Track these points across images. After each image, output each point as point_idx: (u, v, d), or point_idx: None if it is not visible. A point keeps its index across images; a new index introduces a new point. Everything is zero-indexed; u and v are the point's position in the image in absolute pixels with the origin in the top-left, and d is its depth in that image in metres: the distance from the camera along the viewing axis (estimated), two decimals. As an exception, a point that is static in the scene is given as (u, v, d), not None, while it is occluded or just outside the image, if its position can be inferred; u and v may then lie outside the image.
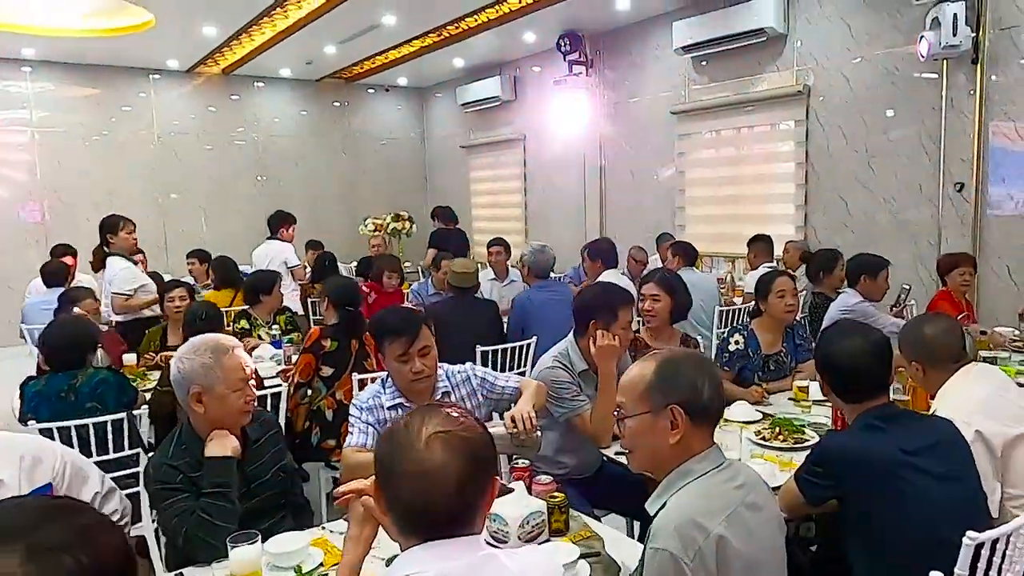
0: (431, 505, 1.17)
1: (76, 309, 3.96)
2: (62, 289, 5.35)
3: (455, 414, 1.27)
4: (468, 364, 2.60)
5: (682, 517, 1.45)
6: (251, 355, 4.27)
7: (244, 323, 4.67)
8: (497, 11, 7.12)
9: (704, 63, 6.88)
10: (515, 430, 2.17)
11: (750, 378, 3.36)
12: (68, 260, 6.28)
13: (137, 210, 8.89)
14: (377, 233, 9.57)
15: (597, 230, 8.18)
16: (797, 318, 3.71)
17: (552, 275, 5.25)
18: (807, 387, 3.10)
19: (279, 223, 6.69)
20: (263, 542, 1.76)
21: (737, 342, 3.40)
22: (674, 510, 1.48)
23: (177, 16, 6.91)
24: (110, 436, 2.85)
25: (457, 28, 7.71)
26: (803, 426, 2.76)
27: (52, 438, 2.71)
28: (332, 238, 8.68)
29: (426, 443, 1.19)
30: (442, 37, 8.06)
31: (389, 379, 2.42)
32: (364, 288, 5.30)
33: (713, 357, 3.65)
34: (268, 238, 6.68)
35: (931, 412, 2.26)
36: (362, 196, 10.48)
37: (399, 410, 2.39)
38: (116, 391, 3.02)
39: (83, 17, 7.11)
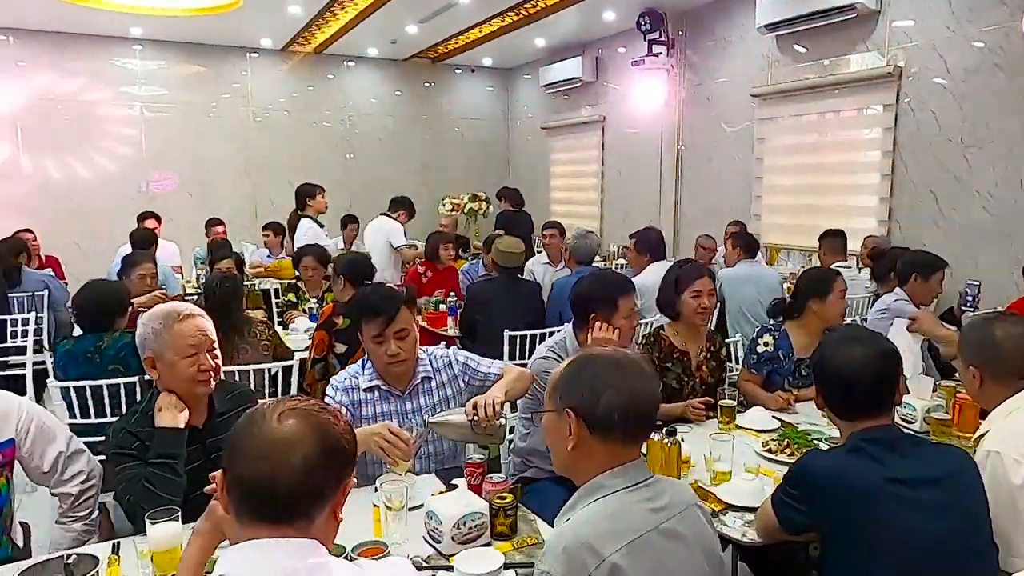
0: (273, 482, 1.10)
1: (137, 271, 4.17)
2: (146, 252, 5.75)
3: (322, 407, 1.21)
4: (452, 348, 2.55)
5: (576, 538, 1.32)
6: (287, 327, 4.43)
7: (291, 296, 4.82)
8: (575, -13, 6.95)
9: (789, 42, 6.44)
10: (475, 417, 2.10)
11: (780, 383, 3.13)
12: (151, 223, 6.71)
13: (231, 184, 9.45)
14: (453, 213, 9.67)
15: (671, 216, 7.90)
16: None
17: (602, 262, 5.14)
18: (734, 407, 2.81)
19: (397, 207, 6.88)
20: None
21: (767, 343, 3.16)
22: (569, 529, 1.35)
23: (266, -5, 7.16)
24: (122, 398, 2.97)
25: (535, 7, 7.58)
26: (819, 439, 2.55)
27: (71, 397, 2.89)
28: (415, 218, 8.71)
29: (278, 417, 1.15)
30: (521, 16, 7.95)
31: (369, 360, 2.41)
32: (419, 267, 5.35)
33: (742, 357, 3.42)
34: (382, 213, 6.88)
35: (978, 435, 1.99)
36: (446, 176, 10.57)
37: (376, 392, 2.37)
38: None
39: (179, -4, 7.49)
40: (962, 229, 5.22)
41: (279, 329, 4.38)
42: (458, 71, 10.81)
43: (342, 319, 3.55)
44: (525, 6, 7.58)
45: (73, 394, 2.85)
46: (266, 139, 9.68)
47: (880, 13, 5.64)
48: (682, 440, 2.29)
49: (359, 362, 2.44)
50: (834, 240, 5.28)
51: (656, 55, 7.46)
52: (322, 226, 6.30)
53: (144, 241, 5.69)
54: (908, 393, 2.74)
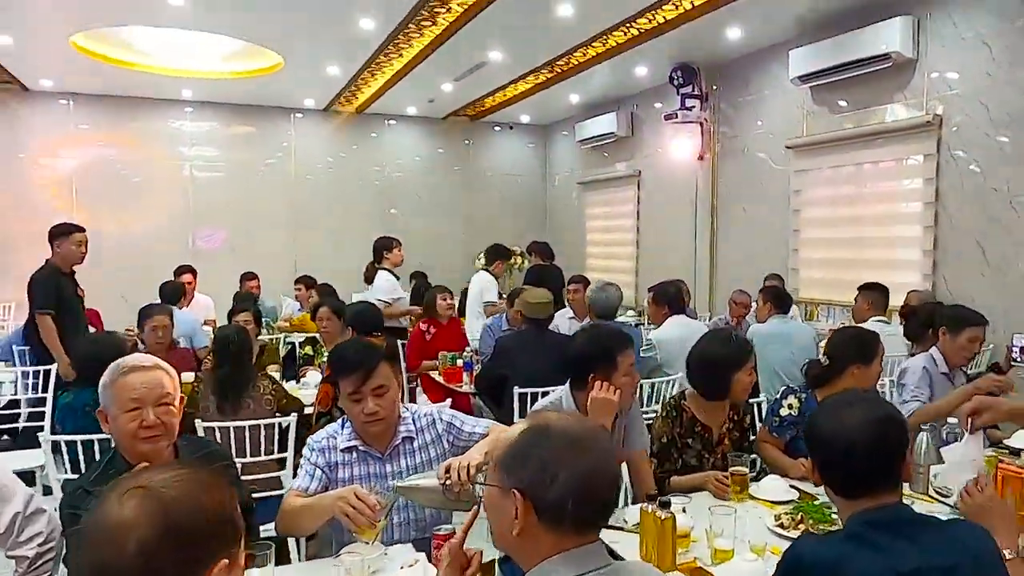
0: (103, 571, 0.99)
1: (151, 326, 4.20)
2: (173, 307, 5.83)
3: (188, 478, 1.07)
4: (437, 407, 2.43)
5: None
6: (299, 381, 4.38)
7: (309, 349, 4.79)
8: (604, 45, 6.98)
9: (824, 93, 6.31)
10: (447, 481, 1.97)
11: (804, 450, 2.89)
12: (187, 278, 6.85)
13: (274, 239, 9.65)
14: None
15: (707, 271, 7.71)
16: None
17: (637, 316, 5.00)
18: (746, 475, 2.55)
19: (495, 257, 7.05)
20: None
21: (791, 406, 2.92)
22: None
23: (303, 58, 7.40)
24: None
25: (567, 64, 7.64)
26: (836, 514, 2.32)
27: (62, 450, 2.86)
28: (452, 275, 8.67)
29: (121, 497, 1.02)
30: (555, 73, 8.03)
31: (348, 419, 2.31)
32: (421, 325, 5.24)
33: (763, 419, 3.20)
34: (483, 268, 7.10)
35: None
36: (484, 232, 10.57)
37: (353, 453, 2.25)
38: (139, 407, 3.13)
39: (223, 59, 7.80)
40: (1010, 283, 4.91)
41: (294, 384, 4.35)
42: (497, 128, 10.95)
43: (346, 373, 3.48)
44: (557, 63, 7.65)
45: (64, 448, 2.82)
46: (309, 196, 9.91)
47: (916, 62, 5.48)
48: (683, 510, 2.12)
49: (340, 420, 2.34)
50: (874, 293, 5.00)
51: (689, 109, 7.41)
52: (398, 278, 6.46)
53: (173, 294, 5.78)
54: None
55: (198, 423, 3.14)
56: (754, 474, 2.62)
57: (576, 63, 7.58)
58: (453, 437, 2.34)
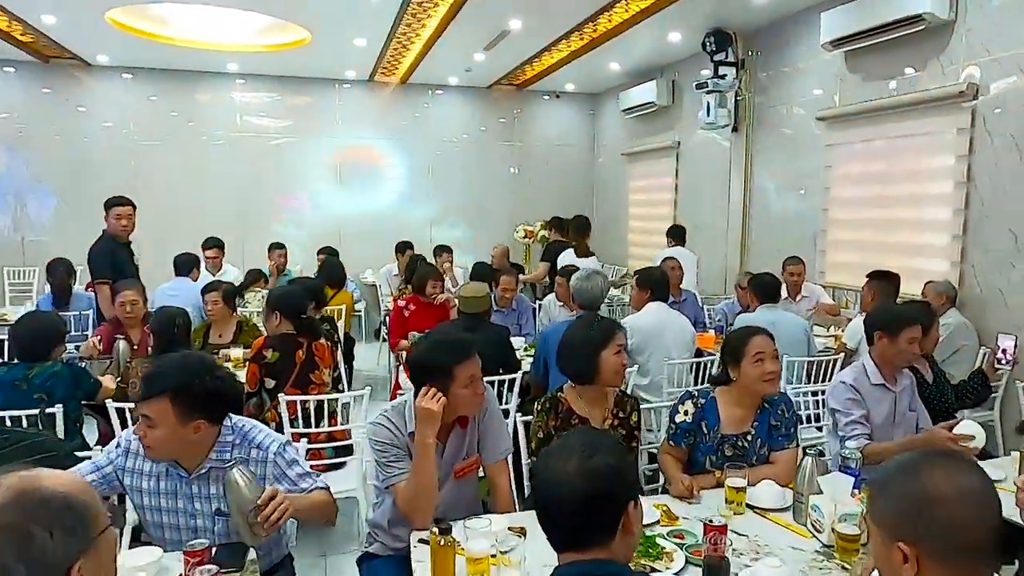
0: None
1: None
2: (186, 278, 6.08)
3: None
4: (279, 443, 2.15)
5: None
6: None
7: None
8: (627, 10, 6.62)
9: (857, 61, 5.75)
10: (260, 512, 1.82)
11: (701, 463, 2.67)
12: (212, 253, 7.10)
13: (315, 208, 9.86)
14: (526, 239, 9.54)
15: (738, 250, 7.29)
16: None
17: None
18: (743, 488, 2.35)
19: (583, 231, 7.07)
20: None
21: (687, 412, 2.68)
22: None
23: (329, 31, 7.41)
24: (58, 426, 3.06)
25: (596, 29, 7.31)
26: (686, 546, 2.07)
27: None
28: (497, 244, 8.56)
29: None
30: (587, 40, 7.71)
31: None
32: (401, 301, 5.15)
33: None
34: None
35: None
36: (529, 203, 10.45)
37: (161, 464, 2.07)
38: (69, 383, 3.26)
39: (257, 33, 7.94)
40: (1046, 275, 4.37)
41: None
42: (545, 97, 10.69)
43: (271, 352, 3.50)
44: (585, 29, 7.33)
45: None
46: (353, 165, 10.02)
47: (953, 24, 4.89)
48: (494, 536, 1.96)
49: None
50: (882, 283, 4.56)
51: (721, 77, 6.95)
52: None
53: (185, 266, 6.00)
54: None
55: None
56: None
57: (606, 28, 7.24)
58: (277, 481, 2.10)
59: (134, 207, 5.13)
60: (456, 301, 4.28)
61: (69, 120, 8.98)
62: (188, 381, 1.91)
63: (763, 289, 4.49)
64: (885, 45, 5.35)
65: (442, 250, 7.80)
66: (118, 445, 2.11)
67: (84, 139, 9.01)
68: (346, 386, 5.07)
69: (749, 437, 2.66)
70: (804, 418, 3.66)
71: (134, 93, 9.21)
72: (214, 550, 1.88)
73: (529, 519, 1.91)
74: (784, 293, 5.64)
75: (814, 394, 3.74)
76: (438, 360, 2.24)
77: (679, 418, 2.70)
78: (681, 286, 5.85)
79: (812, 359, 4.40)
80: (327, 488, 2.15)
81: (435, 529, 1.85)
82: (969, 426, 2.60)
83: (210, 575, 1.65)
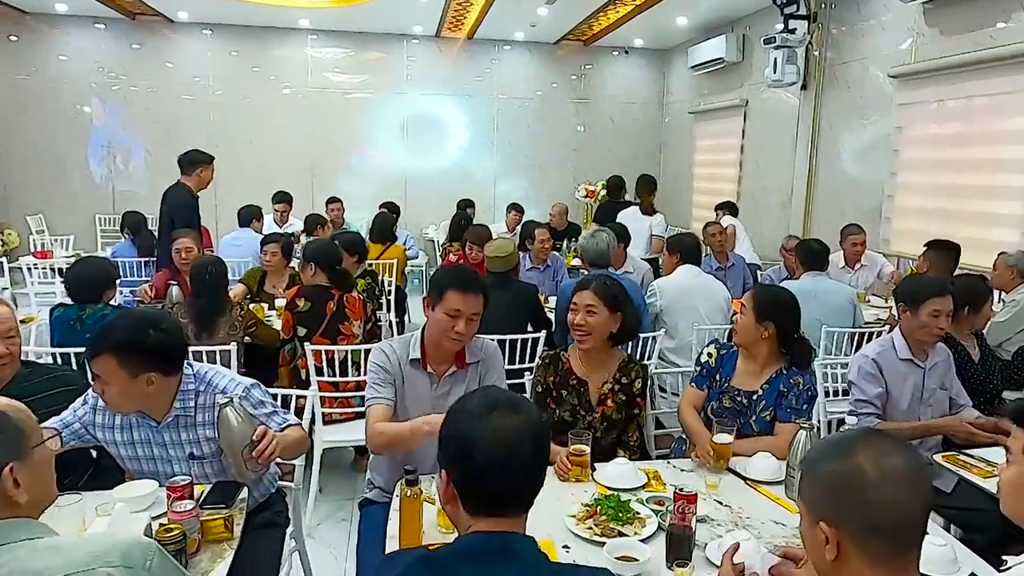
0: None
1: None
2: (248, 228, 6.37)
3: None
4: (244, 387, 2.19)
5: None
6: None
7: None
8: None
9: (936, 12, 5.35)
10: (253, 448, 1.92)
11: (706, 410, 2.68)
12: (281, 207, 7.36)
13: (382, 163, 10.03)
14: (587, 198, 9.44)
15: (802, 214, 7.01)
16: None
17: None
18: (728, 443, 2.34)
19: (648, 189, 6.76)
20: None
21: (710, 354, 2.72)
22: None
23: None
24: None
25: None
26: (662, 513, 2.01)
27: (55, 360, 3.26)
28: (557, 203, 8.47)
29: None
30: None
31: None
32: (452, 256, 5.24)
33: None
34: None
35: None
36: (594, 162, 10.31)
37: (132, 417, 2.12)
38: (116, 325, 3.49)
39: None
40: None
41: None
42: (614, 53, 10.42)
43: (303, 301, 3.64)
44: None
45: (59, 359, 3.20)
46: (421, 120, 10.08)
47: (1044, -29, 4.48)
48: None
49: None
50: (940, 253, 4.33)
51: (791, 31, 6.59)
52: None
53: (247, 217, 6.28)
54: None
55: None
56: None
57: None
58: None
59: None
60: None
61: (158, 75, 9.39)
62: (130, 337, 1.93)
63: (809, 256, 4.32)
64: (967, -4, 4.96)
65: (512, 208, 7.96)
66: (85, 402, 2.15)
67: (172, 93, 9.41)
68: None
69: (754, 397, 2.60)
70: (833, 392, 3.55)
71: (215, 49, 9.51)
72: (207, 489, 2.01)
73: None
74: (841, 262, 5.43)
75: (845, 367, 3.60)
76: (441, 279, 2.34)
77: (703, 358, 2.74)
78: (733, 251, 5.70)
79: (858, 330, 4.23)
80: (299, 424, 2.24)
81: (403, 481, 1.90)
82: None
83: (187, 509, 1.78)
